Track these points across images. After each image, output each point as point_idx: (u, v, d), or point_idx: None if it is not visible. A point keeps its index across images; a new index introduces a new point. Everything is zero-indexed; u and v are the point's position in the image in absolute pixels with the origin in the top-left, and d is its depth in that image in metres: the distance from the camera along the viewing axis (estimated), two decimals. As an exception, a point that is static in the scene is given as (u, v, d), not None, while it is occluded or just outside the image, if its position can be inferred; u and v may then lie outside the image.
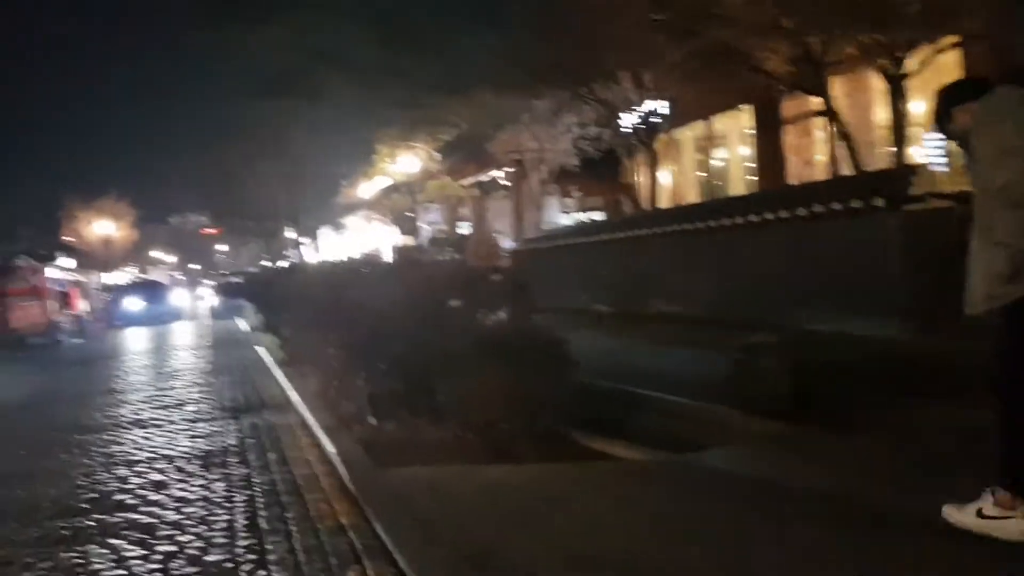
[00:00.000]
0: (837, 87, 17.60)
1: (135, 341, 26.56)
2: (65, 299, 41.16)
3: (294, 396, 11.63)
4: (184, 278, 79.46)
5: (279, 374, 14.12)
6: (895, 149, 14.26)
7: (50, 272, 40.02)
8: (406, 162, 31.31)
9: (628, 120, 19.45)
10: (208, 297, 44.27)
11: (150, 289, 40.87)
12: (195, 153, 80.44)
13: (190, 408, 11.90)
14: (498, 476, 6.34)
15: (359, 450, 7.36)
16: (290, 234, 53.48)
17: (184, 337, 26.38)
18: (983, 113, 4.00)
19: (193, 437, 9.65)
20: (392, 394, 8.13)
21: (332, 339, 9.73)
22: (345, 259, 20.29)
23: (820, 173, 18.34)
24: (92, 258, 48.15)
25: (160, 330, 31.37)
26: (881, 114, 16.86)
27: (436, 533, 4.89)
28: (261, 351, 18.07)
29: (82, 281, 45.08)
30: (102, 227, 46.36)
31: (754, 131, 20.35)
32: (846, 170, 17.09)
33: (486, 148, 26.78)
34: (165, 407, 12.15)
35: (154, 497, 6.79)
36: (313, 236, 50.99)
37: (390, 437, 7.81)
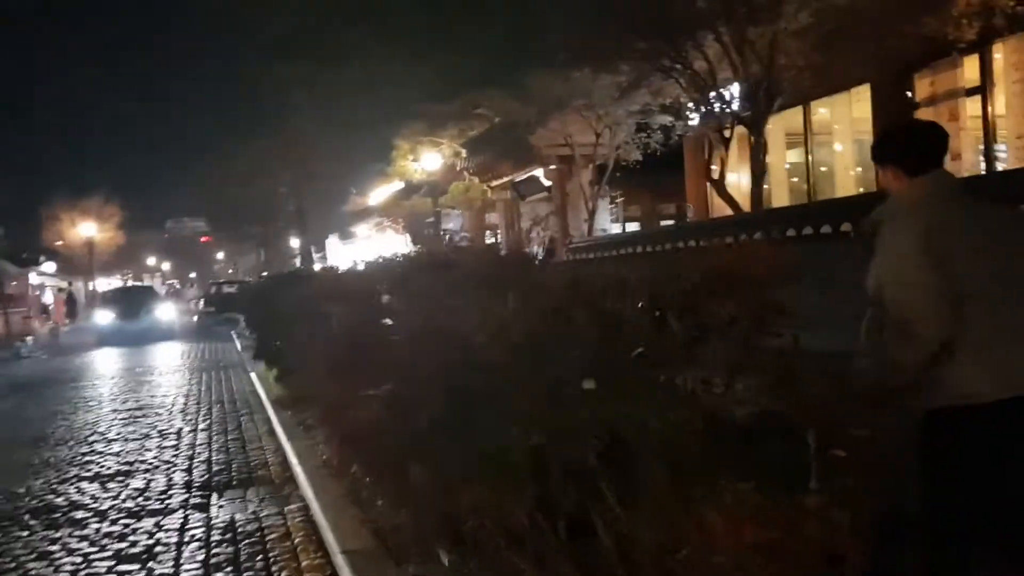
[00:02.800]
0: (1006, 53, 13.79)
1: (105, 361, 22.34)
2: (41, 308, 37.00)
3: (297, 467, 7.65)
4: (180, 287, 75.69)
5: (276, 423, 10.11)
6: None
7: (31, 278, 36.15)
8: (429, 159, 27.26)
9: (721, 99, 15.47)
10: (198, 310, 37.50)
11: (134, 298, 32.30)
12: (195, 152, 76.81)
13: (138, 483, 7.87)
14: None
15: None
16: (295, 242, 49.65)
17: (163, 358, 22.30)
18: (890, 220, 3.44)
19: (126, 552, 5.68)
20: (492, 505, 4.07)
21: (364, 380, 5.72)
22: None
23: (971, 168, 14.37)
24: (75, 263, 44.23)
25: (140, 348, 25.91)
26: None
27: None
28: (255, 381, 14.09)
29: (63, 288, 41.16)
30: (87, 229, 42.20)
31: (871, 117, 16.30)
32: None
33: (525, 142, 22.78)
34: (102, 477, 8.13)
35: None
36: (320, 245, 47.10)
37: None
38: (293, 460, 8.05)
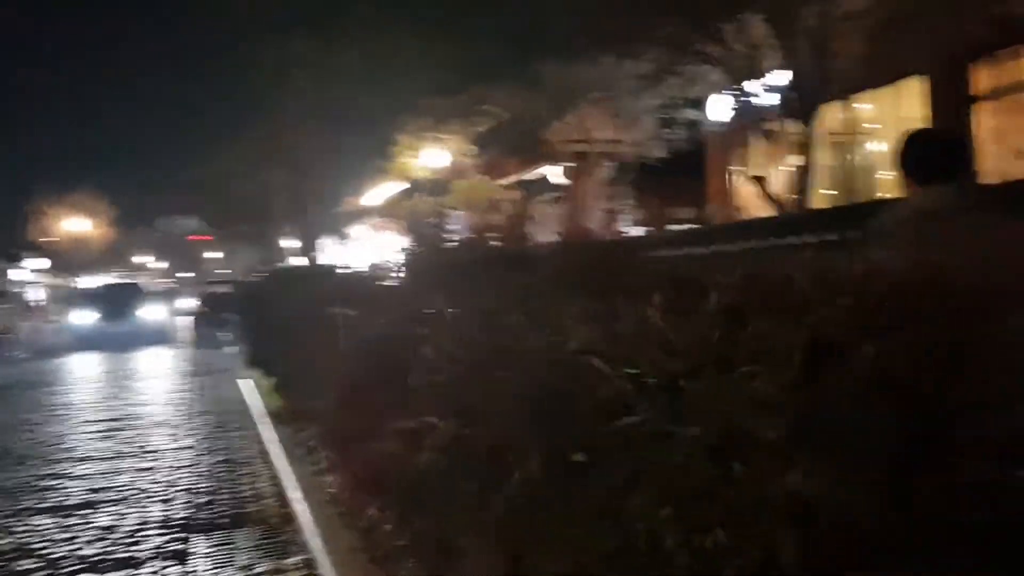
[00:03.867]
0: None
1: (87, 364, 20.79)
2: (26, 306, 35.60)
3: (299, 502, 6.28)
4: (173, 285, 73.98)
5: (273, 441, 8.73)
6: None
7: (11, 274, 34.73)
8: (432, 156, 25.87)
9: (758, 88, 14.13)
10: (192, 310, 34.06)
11: (117, 296, 28.26)
12: (187, 147, 75.55)
13: (103, 518, 6.48)
14: None
15: None
16: (287, 243, 48.18)
17: (149, 361, 20.85)
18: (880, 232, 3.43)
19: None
20: None
21: (393, 406, 4.39)
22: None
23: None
24: (62, 259, 42.68)
25: (121, 352, 23.03)
26: None
27: None
28: (249, 390, 12.72)
29: (49, 285, 39.68)
30: (74, 224, 40.51)
31: (922, 114, 14.96)
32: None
33: (538, 138, 21.41)
34: (61, 511, 6.74)
35: None
36: (312, 246, 45.68)
37: None
38: (294, 493, 6.68)
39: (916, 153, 3.61)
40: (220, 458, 8.63)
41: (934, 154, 3.56)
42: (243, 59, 35.16)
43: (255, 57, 34.05)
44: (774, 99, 13.99)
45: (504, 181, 25.20)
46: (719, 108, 17.82)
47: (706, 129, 19.55)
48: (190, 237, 78.65)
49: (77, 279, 43.43)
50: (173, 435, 10.05)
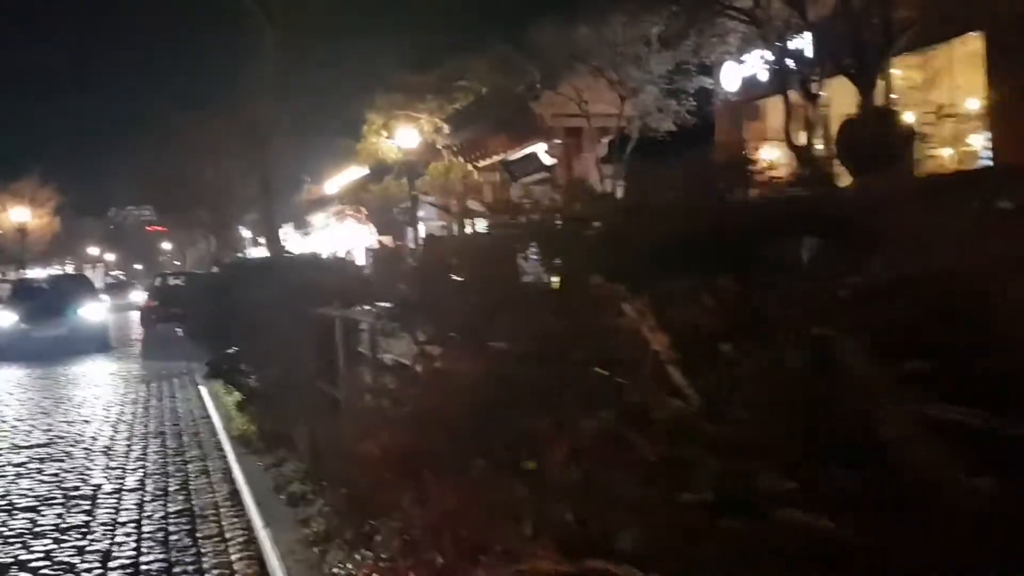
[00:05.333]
0: None
1: (17, 371, 17.56)
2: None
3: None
4: (124, 279, 70.95)
5: (242, 481, 6.72)
6: None
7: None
8: (404, 136, 23.71)
9: (790, 47, 12.28)
10: (141, 306, 30.19)
11: (53, 293, 23.33)
12: (140, 132, 72.67)
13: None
14: None
15: None
16: (248, 233, 45.91)
17: (92, 365, 18.56)
18: None
19: None
20: None
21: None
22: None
23: None
24: (5, 252, 39.94)
25: (52, 361, 18.61)
26: None
27: None
28: (208, 406, 10.67)
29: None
30: (18, 215, 37.58)
31: (979, 76, 13.11)
32: None
33: (528, 111, 19.36)
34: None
35: None
36: (275, 236, 43.40)
37: None
38: (277, 571, 4.71)
39: (846, 141, 3.49)
40: (176, 507, 6.60)
41: (865, 142, 3.41)
42: (200, 31, 32.87)
43: (213, 29, 31.77)
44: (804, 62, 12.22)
45: (484, 163, 23.18)
46: (734, 74, 16.07)
47: (719, 98, 17.77)
48: (149, 228, 75.53)
49: (23, 272, 40.78)
50: (116, 470, 7.99)
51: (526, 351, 2.34)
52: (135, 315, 30.22)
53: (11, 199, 39.39)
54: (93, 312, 22.60)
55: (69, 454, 8.78)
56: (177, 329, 23.64)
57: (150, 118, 71.56)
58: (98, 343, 21.58)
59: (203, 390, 11.69)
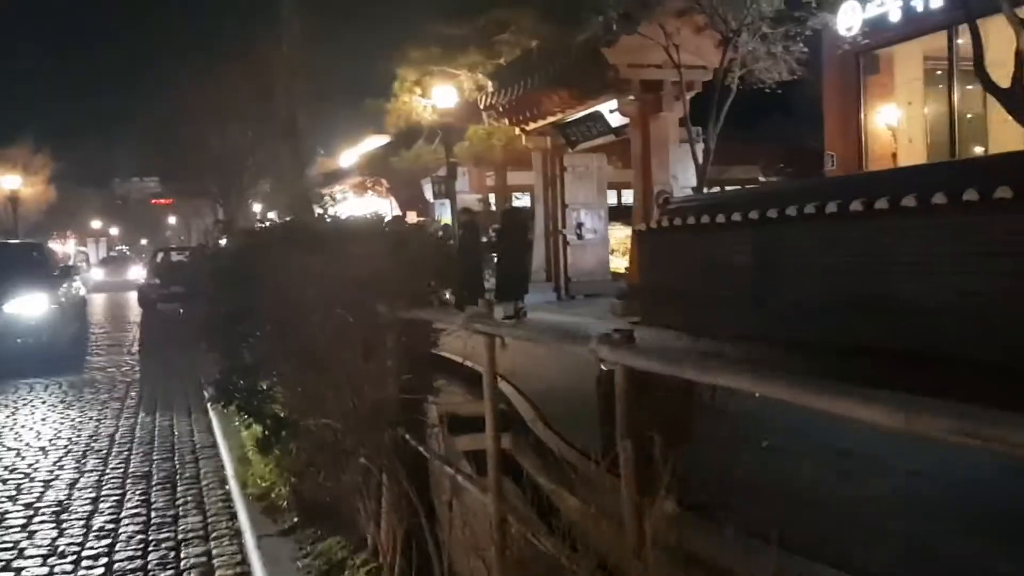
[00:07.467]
0: None
1: None
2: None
3: None
4: (127, 253, 68.05)
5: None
6: None
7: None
8: (442, 94, 20.60)
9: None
10: (140, 284, 26.46)
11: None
12: (143, 92, 69.29)
13: None
14: None
15: None
16: (259, 206, 43.09)
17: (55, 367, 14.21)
18: None
19: None
20: None
21: None
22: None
23: None
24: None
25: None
26: None
27: None
28: (219, 447, 7.71)
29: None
30: (9, 182, 34.54)
31: None
32: None
33: (593, 63, 16.20)
34: None
35: None
36: (298, 191, 40.84)
37: None
38: None
39: None
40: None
41: None
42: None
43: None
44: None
45: (536, 124, 20.07)
46: (855, 13, 13.11)
47: (831, 45, 14.71)
48: (154, 201, 72.19)
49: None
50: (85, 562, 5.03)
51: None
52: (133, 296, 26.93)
53: (1, 165, 36.45)
54: (30, 306, 14.74)
55: (20, 523, 5.82)
56: (180, 310, 20.83)
57: (154, 75, 67.99)
58: (41, 351, 14.45)
59: (212, 420, 8.67)
